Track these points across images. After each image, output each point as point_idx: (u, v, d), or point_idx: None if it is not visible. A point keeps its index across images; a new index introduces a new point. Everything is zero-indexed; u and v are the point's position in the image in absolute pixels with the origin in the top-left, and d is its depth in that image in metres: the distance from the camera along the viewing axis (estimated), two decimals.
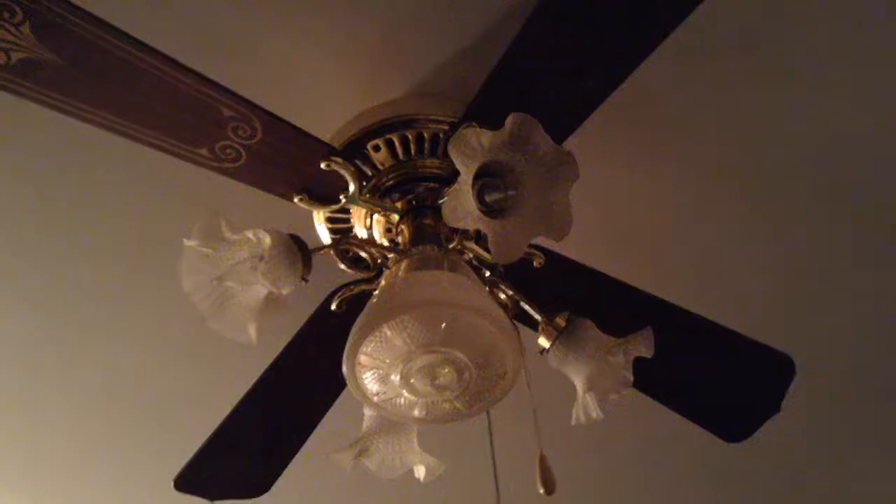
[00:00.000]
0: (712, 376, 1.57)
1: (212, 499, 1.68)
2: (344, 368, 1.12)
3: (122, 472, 2.23)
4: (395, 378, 1.12)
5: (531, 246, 1.36)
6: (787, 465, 2.31)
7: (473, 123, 1.20)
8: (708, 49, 1.40)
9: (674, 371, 1.52)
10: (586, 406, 1.26)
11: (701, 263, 1.76)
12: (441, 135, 1.35)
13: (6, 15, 1.03)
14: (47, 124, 1.40)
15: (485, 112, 1.20)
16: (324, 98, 1.43)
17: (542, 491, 1.18)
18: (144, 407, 2.03)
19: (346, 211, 1.40)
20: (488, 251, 1.17)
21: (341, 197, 1.32)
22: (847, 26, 1.38)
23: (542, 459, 1.20)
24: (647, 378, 1.36)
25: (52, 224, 1.61)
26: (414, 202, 1.36)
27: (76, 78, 1.11)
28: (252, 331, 1.17)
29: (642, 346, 1.27)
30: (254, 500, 1.69)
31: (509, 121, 1.10)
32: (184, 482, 1.63)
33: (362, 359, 1.11)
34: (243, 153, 1.23)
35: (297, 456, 1.63)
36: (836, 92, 1.48)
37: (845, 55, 1.42)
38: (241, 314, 1.16)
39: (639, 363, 1.28)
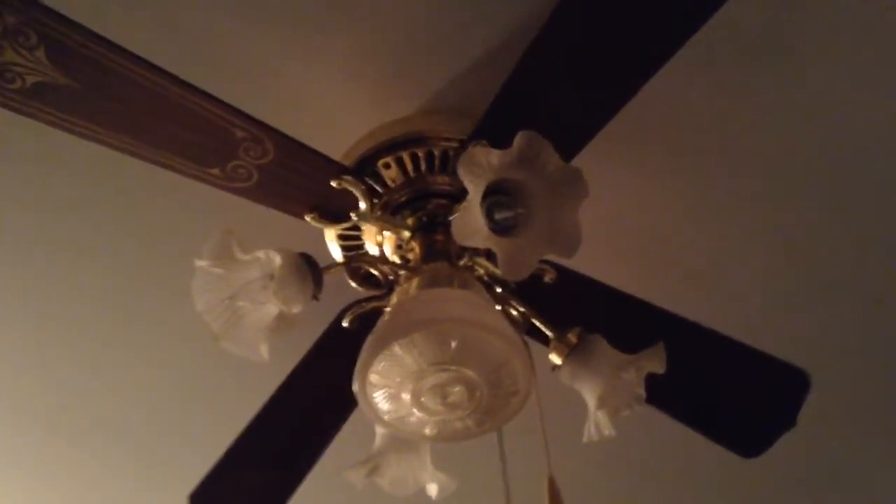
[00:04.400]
0: (726, 391, 1.57)
1: None
2: (355, 387, 1.12)
3: (136, 488, 2.24)
4: (406, 396, 1.12)
5: (542, 261, 1.36)
6: (801, 480, 2.28)
7: (483, 141, 1.20)
8: (715, 57, 1.40)
9: (687, 386, 1.52)
10: (598, 423, 1.26)
11: (713, 277, 1.76)
12: (451, 152, 1.36)
13: (21, 39, 1.04)
14: (58, 138, 1.41)
15: (494, 129, 1.21)
16: (334, 117, 1.44)
17: None
18: (158, 423, 2.04)
19: (358, 228, 1.40)
20: (499, 268, 1.17)
21: (352, 215, 1.33)
22: (858, 31, 1.38)
23: (551, 481, 1.20)
24: (660, 393, 1.35)
25: (70, 240, 1.63)
26: (424, 219, 1.37)
27: (89, 101, 1.12)
28: (264, 350, 1.18)
29: (654, 361, 1.27)
30: None
31: (518, 139, 1.10)
32: (200, 499, 1.64)
33: (373, 377, 1.11)
34: (255, 173, 1.24)
35: (310, 473, 1.64)
36: (848, 98, 1.47)
37: (855, 62, 1.42)
38: (252, 333, 1.16)
39: (652, 378, 1.28)
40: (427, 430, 1.18)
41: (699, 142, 1.53)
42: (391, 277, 1.36)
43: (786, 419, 1.57)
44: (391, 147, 1.38)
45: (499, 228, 1.18)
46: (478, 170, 1.09)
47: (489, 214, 1.19)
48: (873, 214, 1.65)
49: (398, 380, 1.11)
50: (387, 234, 1.40)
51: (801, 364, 1.52)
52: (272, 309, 1.16)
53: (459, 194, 1.32)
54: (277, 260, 1.14)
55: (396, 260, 1.41)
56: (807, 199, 1.62)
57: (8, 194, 1.55)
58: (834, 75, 1.43)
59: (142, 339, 1.84)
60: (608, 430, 1.26)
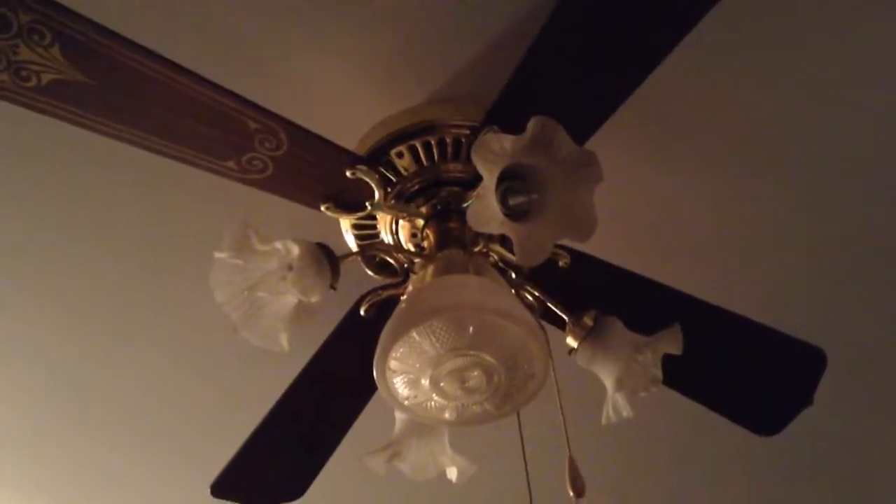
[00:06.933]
0: (743, 370, 1.57)
1: None
2: (375, 373, 1.13)
3: (158, 479, 2.26)
4: (425, 382, 1.13)
5: (557, 246, 1.36)
6: (818, 461, 2.29)
7: (495, 127, 1.21)
8: (725, 42, 1.40)
9: (704, 366, 1.52)
10: (616, 405, 1.27)
11: (725, 257, 1.76)
12: (463, 139, 1.36)
13: (36, 38, 1.05)
14: (74, 133, 1.43)
15: (506, 115, 1.21)
16: (347, 107, 1.45)
17: (571, 494, 1.19)
18: (179, 414, 2.06)
19: (372, 217, 1.41)
20: (514, 253, 1.18)
21: (367, 204, 1.34)
22: (866, 19, 1.37)
23: (571, 462, 1.21)
24: (677, 374, 1.36)
25: (84, 234, 1.65)
26: (438, 207, 1.37)
27: (105, 97, 1.13)
28: (283, 339, 1.19)
29: (671, 343, 1.27)
30: None
31: (531, 124, 1.11)
32: (221, 488, 1.65)
33: (392, 364, 1.13)
34: (270, 164, 1.25)
35: (330, 460, 1.65)
36: (859, 84, 1.47)
37: (867, 48, 1.41)
38: (272, 323, 1.17)
39: (668, 360, 1.28)
40: (446, 415, 1.19)
41: (710, 124, 1.53)
42: (406, 265, 1.37)
43: (802, 397, 1.58)
44: (404, 136, 1.38)
45: (513, 214, 1.19)
46: (492, 156, 1.10)
47: (503, 200, 1.19)
48: (886, 196, 1.64)
49: (417, 365, 1.13)
50: (401, 222, 1.41)
51: (816, 343, 1.53)
52: (291, 299, 1.17)
53: (472, 181, 1.33)
54: (295, 250, 1.15)
55: (411, 248, 1.42)
56: (819, 182, 1.62)
57: (24, 188, 1.57)
58: (846, 59, 1.43)
59: (160, 332, 1.85)
60: (627, 412, 1.26)
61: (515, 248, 1.14)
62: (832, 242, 1.73)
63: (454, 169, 1.38)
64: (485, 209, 1.11)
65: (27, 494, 2.30)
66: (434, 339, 1.10)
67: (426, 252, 1.36)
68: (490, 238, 1.35)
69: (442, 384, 1.14)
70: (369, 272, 1.40)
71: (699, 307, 1.48)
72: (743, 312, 1.49)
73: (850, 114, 1.51)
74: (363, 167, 1.29)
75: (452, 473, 1.42)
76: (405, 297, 1.27)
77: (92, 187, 1.57)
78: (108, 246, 1.68)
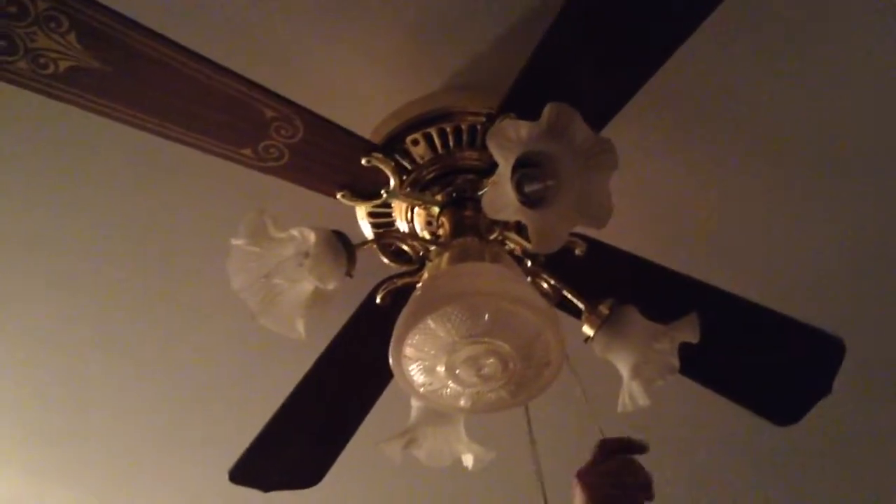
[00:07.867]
0: (761, 360, 1.56)
1: (266, 490, 1.71)
2: (390, 360, 1.13)
3: (176, 465, 2.28)
4: (441, 369, 1.14)
5: (573, 234, 1.36)
6: (836, 451, 2.27)
7: (511, 115, 1.20)
8: (737, 30, 1.38)
9: (722, 355, 1.51)
10: (632, 393, 1.26)
11: (742, 247, 1.74)
12: (478, 127, 1.36)
13: (53, 25, 1.06)
14: (88, 121, 1.44)
15: (522, 103, 1.21)
16: (362, 95, 1.45)
17: None
18: (196, 401, 2.08)
19: (388, 205, 1.41)
20: (529, 241, 1.17)
21: (382, 192, 1.34)
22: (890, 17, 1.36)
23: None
24: (694, 363, 1.35)
25: (103, 221, 1.66)
26: (454, 194, 1.37)
27: (121, 84, 1.14)
28: (300, 326, 1.20)
29: (688, 331, 1.26)
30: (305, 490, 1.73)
31: (547, 111, 1.10)
32: (239, 474, 1.67)
33: (408, 351, 1.13)
34: (286, 152, 1.25)
35: (347, 446, 1.66)
36: (880, 81, 1.45)
37: (881, 32, 1.39)
38: (289, 310, 1.18)
39: (685, 348, 1.28)
40: (462, 402, 1.20)
41: (725, 112, 1.51)
42: (422, 253, 1.37)
43: (821, 387, 1.57)
44: (419, 123, 1.38)
45: (529, 201, 1.19)
46: (507, 143, 1.09)
47: (519, 187, 1.19)
48: None
49: (432, 353, 1.13)
50: (417, 210, 1.41)
51: (840, 334, 1.52)
52: (307, 286, 1.18)
53: (488, 169, 1.33)
54: (312, 237, 1.16)
55: (427, 236, 1.42)
56: (836, 176, 1.60)
57: (30, 180, 1.58)
58: (867, 57, 1.41)
59: (179, 319, 1.86)
60: (643, 400, 1.26)
61: (531, 236, 1.14)
62: (849, 235, 1.71)
63: (469, 156, 1.38)
64: (500, 196, 1.11)
65: (64, 484, 2.32)
66: (449, 326, 1.10)
67: (441, 240, 1.36)
68: (505, 225, 1.35)
69: (457, 371, 1.14)
70: (385, 260, 1.40)
71: (716, 295, 1.47)
72: (760, 301, 1.48)
73: (869, 109, 1.49)
74: (379, 155, 1.29)
75: (468, 460, 1.42)
76: (421, 284, 1.27)
77: (109, 176, 1.58)
78: (131, 233, 1.68)
